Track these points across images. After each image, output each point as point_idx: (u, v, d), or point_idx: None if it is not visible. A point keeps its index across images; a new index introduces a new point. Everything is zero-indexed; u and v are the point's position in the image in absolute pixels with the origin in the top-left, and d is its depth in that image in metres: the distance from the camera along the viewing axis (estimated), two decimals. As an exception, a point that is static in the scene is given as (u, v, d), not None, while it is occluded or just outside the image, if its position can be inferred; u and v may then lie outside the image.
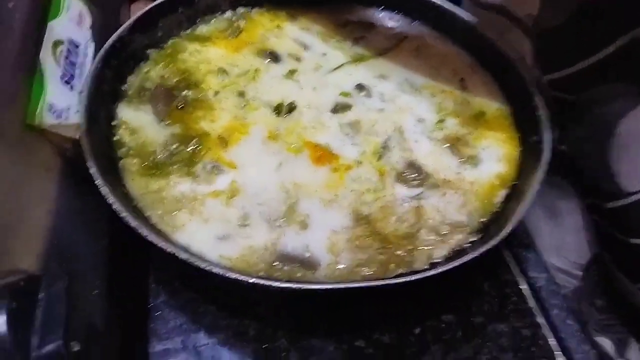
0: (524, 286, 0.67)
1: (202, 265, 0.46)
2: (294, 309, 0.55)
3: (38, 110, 0.51)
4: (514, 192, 0.58)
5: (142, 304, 0.55)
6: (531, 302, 0.66)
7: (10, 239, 0.41)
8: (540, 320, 0.62)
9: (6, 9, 0.49)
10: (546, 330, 0.59)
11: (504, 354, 0.57)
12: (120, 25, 0.66)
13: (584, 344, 0.58)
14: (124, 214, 0.47)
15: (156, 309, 0.55)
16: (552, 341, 0.58)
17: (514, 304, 0.67)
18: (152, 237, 0.46)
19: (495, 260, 0.63)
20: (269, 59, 0.68)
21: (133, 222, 0.47)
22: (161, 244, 0.46)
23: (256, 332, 0.54)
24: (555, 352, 0.57)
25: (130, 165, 0.56)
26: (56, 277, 0.40)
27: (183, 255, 0.46)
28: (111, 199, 0.48)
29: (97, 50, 0.64)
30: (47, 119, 0.51)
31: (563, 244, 0.75)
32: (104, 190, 0.48)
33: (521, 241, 0.64)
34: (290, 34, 0.72)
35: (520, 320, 0.66)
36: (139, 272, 0.56)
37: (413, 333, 0.57)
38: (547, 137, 0.58)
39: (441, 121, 0.64)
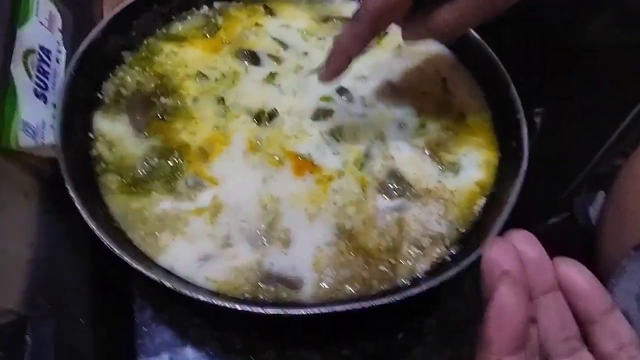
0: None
1: (188, 292, 0.46)
2: (280, 323, 0.56)
3: (12, 131, 0.49)
4: (493, 201, 0.59)
5: (128, 319, 0.56)
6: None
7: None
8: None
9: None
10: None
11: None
12: (93, 23, 0.63)
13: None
14: (107, 241, 0.47)
15: (143, 325, 0.56)
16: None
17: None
18: (137, 266, 0.46)
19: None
20: (248, 61, 0.66)
21: (117, 250, 0.47)
22: (147, 273, 0.46)
23: (243, 345, 0.56)
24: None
25: (110, 182, 0.55)
26: (43, 315, 0.40)
27: (169, 284, 0.46)
28: (93, 225, 0.48)
29: (68, 54, 0.62)
30: (23, 141, 0.50)
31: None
32: (85, 215, 0.48)
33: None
34: (270, 31, 0.70)
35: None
36: (124, 288, 0.57)
37: (396, 338, 0.59)
38: (525, 144, 0.59)
39: (422, 126, 0.64)
